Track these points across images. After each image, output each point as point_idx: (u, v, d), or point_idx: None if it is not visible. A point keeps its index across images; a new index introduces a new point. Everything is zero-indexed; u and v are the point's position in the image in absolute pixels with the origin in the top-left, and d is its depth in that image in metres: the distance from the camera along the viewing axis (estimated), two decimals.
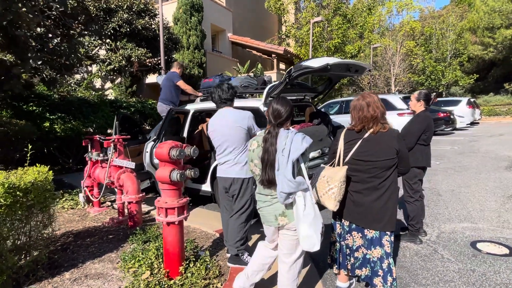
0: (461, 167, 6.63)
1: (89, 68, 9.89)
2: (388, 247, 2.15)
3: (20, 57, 4.18)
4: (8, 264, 2.43)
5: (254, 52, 19.59)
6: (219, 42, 18.10)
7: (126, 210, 4.15)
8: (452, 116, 12.57)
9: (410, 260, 2.86)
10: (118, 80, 11.32)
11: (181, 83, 5.09)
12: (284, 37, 21.02)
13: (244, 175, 2.72)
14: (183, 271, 2.57)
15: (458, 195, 4.69)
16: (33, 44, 4.40)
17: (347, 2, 20.86)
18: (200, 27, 14.44)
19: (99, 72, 9.10)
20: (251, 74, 5.36)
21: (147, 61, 10.69)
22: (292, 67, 3.66)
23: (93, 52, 9.83)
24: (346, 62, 3.79)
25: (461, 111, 14.62)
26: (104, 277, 2.69)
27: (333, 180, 2.06)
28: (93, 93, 9.76)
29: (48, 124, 7.04)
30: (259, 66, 15.86)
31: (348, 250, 2.26)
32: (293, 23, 19.93)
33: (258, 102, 4.12)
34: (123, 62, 8.87)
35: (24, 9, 3.47)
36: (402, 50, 24.29)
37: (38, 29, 4.59)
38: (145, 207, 4.73)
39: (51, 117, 7.14)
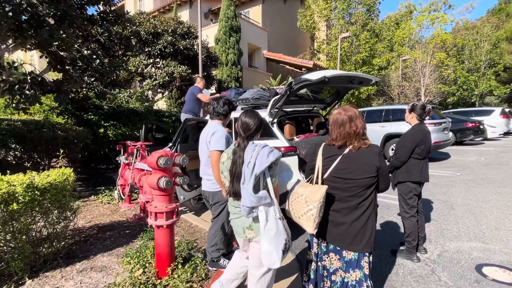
0: (484, 179, 5.70)
1: (143, 83, 10.39)
2: (367, 268, 1.80)
3: (67, 75, 4.42)
4: (25, 253, 2.50)
5: (287, 66, 19.29)
6: (255, 59, 18.13)
7: None
8: (481, 126, 11.06)
9: (402, 280, 2.41)
10: (166, 93, 11.78)
11: (201, 96, 5.06)
12: (316, 52, 20.42)
13: (212, 189, 2.53)
14: (170, 272, 2.43)
15: (473, 210, 3.98)
16: (80, 64, 4.62)
17: (376, 18, 19.65)
18: (237, 46, 14.59)
19: (147, 86, 9.52)
20: (264, 87, 5.13)
21: (192, 76, 11.02)
22: (292, 80, 3.39)
23: (145, 70, 10.39)
24: (346, 74, 3.41)
25: (494, 121, 12.85)
26: (106, 270, 2.65)
27: (312, 201, 1.73)
28: (145, 104, 10.26)
29: (102, 130, 7.50)
30: (290, 79, 15.54)
31: (325, 271, 1.93)
32: (323, 39, 19.27)
33: (263, 113, 3.90)
34: (166, 78, 9.18)
35: (64, 35, 3.64)
36: (432, 61, 22.23)
37: (85, 52, 4.83)
38: None
39: (105, 124, 7.60)
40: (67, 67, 4.46)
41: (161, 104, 14.68)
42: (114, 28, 5.32)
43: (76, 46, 4.72)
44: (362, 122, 1.78)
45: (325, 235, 1.87)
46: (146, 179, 3.70)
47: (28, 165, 5.90)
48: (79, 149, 6.64)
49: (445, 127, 7.79)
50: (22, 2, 3.29)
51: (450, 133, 8.42)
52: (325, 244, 1.90)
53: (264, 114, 3.88)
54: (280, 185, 3.50)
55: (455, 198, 4.57)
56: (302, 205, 1.76)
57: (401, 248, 2.87)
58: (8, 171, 2.68)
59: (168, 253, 2.47)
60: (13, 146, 5.21)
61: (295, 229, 2.43)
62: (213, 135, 2.40)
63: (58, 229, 2.82)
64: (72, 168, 3.19)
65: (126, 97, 9.22)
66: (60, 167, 3.21)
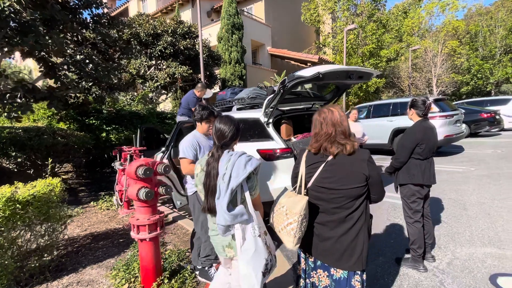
0: (500, 174, 5.33)
1: (145, 85, 10.33)
2: None
3: (59, 81, 4.34)
4: (8, 270, 2.41)
5: (292, 62, 18.93)
6: (259, 55, 17.87)
7: None
8: (497, 116, 10.50)
9: None
10: (170, 94, 11.71)
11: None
12: (321, 46, 19.97)
13: (189, 193, 2.55)
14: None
15: (488, 210, 3.68)
16: (73, 69, 4.54)
17: (383, 8, 18.99)
18: (240, 44, 14.39)
19: (148, 88, 9.46)
20: (261, 85, 4.93)
21: (194, 76, 10.91)
22: (286, 77, 3.19)
23: (148, 72, 10.33)
24: (343, 69, 3.17)
25: (511, 111, 12.19)
26: (92, 285, 2.54)
27: (292, 213, 1.54)
28: (149, 106, 10.21)
29: (104, 134, 7.47)
30: None
31: None
32: (328, 33, 18.81)
33: (258, 113, 3.71)
34: (167, 79, 9.08)
35: (50, 41, 3.54)
36: (444, 50, 21.34)
37: (78, 57, 4.75)
38: (166, 210, 4.65)
39: (107, 128, 7.57)
40: (60, 73, 4.38)
41: (167, 105, 14.68)
42: (108, 32, 5.21)
43: (69, 51, 4.64)
44: (340, 125, 1.55)
45: (311, 250, 1.68)
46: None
47: (31, 173, 5.92)
48: (81, 154, 6.63)
49: (457, 119, 7.39)
50: (5, 8, 3.19)
51: (463, 125, 7.99)
52: (312, 260, 1.71)
53: (258, 114, 3.70)
54: (275, 189, 3.32)
55: (468, 196, 4.26)
56: (283, 218, 1.58)
57: (406, 256, 2.64)
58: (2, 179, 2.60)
59: (153, 267, 2.33)
60: (13, 154, 5.22)
61: None
62: (181, 142, 2.43)
63: (45, 242, 2.73)
64: (60, 178, 3.10)
65: (128, 100, 9.19)
66: (67, 172, 3.13)
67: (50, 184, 2.88)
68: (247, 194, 1.56)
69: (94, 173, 8.33)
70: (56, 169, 6.75)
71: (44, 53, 4.02)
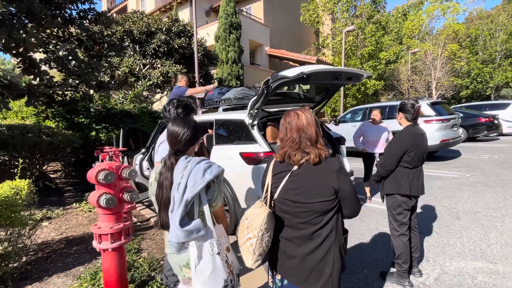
0: (497, 181, 5.15)
1: (137, 84, 10.13)
2: None
3: (38, 78, 4.16)
4: None
5: (290, 63, 18.75)
6: (258, 56, 17.71)
7: None
8: (496, 121, 10.32)
9: None
10: (164, 93, 11.53)
11: (190, 91, 4.67)
12: (320, 47, 19.79)
13: None
14: None
15: (481, 220, 3.50)
16: (54, 66, 4.36)
17: (383, 10, 18.81)
18: (238, 43, 14.22)
19: (141, 87, 9.28)
20: (250, 85, 4.74)
21: (189, 75, 10.72)
22: (269, 77, 3.01)
23: (143, 71, 10.15)
24: (330, 69, 3.00)
25: (510, 115, 12.01)
26: None
27: (252, 227, 1.37)
28: (139, 105, 9.98)
29: (94, 133, 7.30)
30: None
31: None
32: (328, 34, 18.64)
33: (243, 114, 3.54)
34: (161, 78, 8.91)
35: (24, 35, 3.37)
36: (444, 53, 21.16)
37: (61, 53, 4.58)
38: (149, 213, 4.48)
39: (96, 127, 7.39)
40: (40, 70, 4.20)
41: (162, 104, 14.51)
42: (101, 28, 5.04)
43: (51, 47, 4.47)
44: (308, 130, 1.37)
45: (277, 268, 1.50)
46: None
47: (16, 171, 5.74)
48: (67, 153, 6.45)
49: (454, 124, 7.21)
50: None
51: (460, 130, 7.82)
52: (279, 278, 1.53)
53: (242, 115, 3.53)
54: (257, 196, 3.14)
55: (462, 204, 4.08)
56: (244, 232, 1.40)
57: (392, 270, 2.46)
58: None
59: (117, 280, 2.15)
60: None
61: None
62: (160, 144, 2.09)
63: (4, 250, 2.54)
64: (30, 180, 2.92)
65: (120, 98, 9.02)
66: (56, 171, 2.95)
67: (16, 187, 2.70)
68: (206, 207, 1.38)
69: (83, 173, 8.14)
70: (43, 168, 6.57)
71: (21, 48, 3.84)
